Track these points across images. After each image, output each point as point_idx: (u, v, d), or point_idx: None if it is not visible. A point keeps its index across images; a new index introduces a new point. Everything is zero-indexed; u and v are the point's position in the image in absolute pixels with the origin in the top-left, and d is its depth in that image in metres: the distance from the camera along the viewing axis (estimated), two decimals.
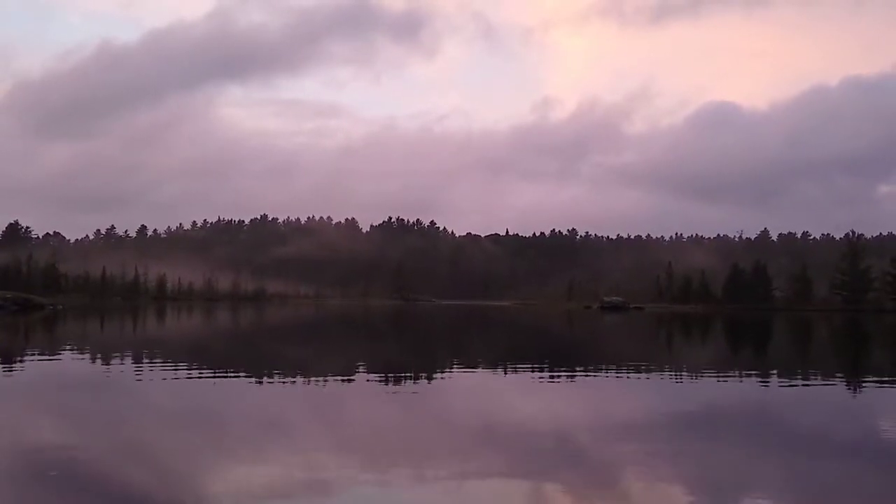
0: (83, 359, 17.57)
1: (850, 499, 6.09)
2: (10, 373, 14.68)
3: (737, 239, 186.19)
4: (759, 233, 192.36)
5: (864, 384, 14.78)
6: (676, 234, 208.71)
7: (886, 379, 15.75)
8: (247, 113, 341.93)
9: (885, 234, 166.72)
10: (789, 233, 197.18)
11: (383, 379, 14.31)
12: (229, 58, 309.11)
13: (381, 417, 9.69)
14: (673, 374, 16.04)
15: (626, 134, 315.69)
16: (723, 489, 6.25)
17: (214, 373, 14.69)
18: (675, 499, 5.95)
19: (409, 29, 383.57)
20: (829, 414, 10.50)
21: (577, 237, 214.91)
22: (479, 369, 16.37)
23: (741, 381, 14.56)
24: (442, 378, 15.03)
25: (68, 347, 21.48)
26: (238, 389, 12.38)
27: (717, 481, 6.52)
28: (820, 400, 12.13)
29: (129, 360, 17.16)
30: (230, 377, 14.19)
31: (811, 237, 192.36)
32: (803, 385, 14.40)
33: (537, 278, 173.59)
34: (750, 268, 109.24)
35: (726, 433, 8.90)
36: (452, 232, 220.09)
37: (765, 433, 8.81)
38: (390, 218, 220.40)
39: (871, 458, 7.66)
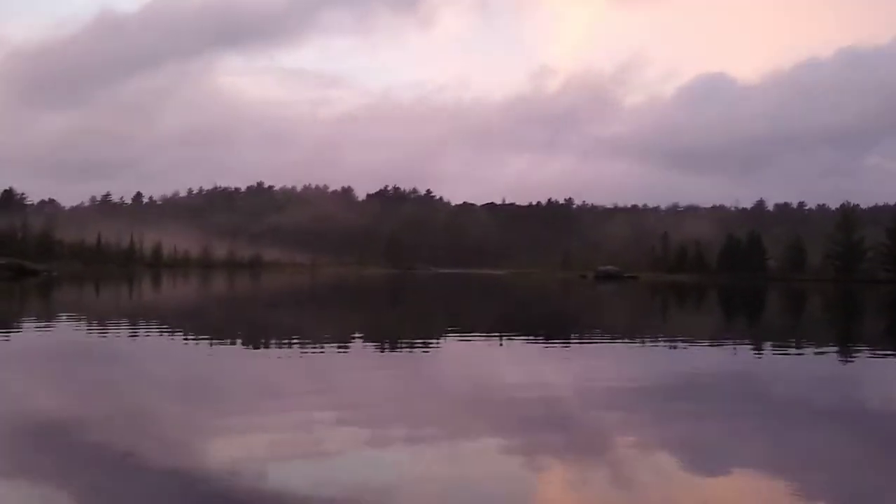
0: (79, 325, 17.59)
1: (835, 464, 6.18)
2: (6, 339, 14.70)
3: (733, 209, 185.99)
4: (754, 203, 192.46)
5: (855, 354, 14.92)
6: (672, 203, 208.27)
7: (879, 350, 15.89)
8: (245, 82, 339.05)
9: (879, 204, 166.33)
10: (785, 203, 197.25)
11: (379, 346, 14.37)
12: (228, 28, 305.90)
13: (377, 384, 9.75)
14: (666, 342, 16.14)
15: (622, 104, 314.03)
16: (711, 454, 6.34)
17: (211, 340, 14.74)
18: (662, 463, 6.03)
19: None
20: (820, 382, 10.61)
21: (573, 206, 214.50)
22: (474, 337, 16.46)
23: (734, 350, 14.67)
24: (437, 346, 15.12)
25: (64, 314, 21.50)
26: (234, 356, 12.44)
27: (706, 447, 6.63)
28: (812, 369, 12.24)
29: (124, 327, 17.21)
30: (226, 344, 14.25)
31: (807, 207, 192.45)
32: (796, 354, 14.53)
33: (533, 247, 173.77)
34: (745, 238, 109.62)
35: (718, 401, 8.99)
36: (448, 201, 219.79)
37: (755, 401, 8.90)
38: (386, 187, 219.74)
39: (858, 426, 7.77)
